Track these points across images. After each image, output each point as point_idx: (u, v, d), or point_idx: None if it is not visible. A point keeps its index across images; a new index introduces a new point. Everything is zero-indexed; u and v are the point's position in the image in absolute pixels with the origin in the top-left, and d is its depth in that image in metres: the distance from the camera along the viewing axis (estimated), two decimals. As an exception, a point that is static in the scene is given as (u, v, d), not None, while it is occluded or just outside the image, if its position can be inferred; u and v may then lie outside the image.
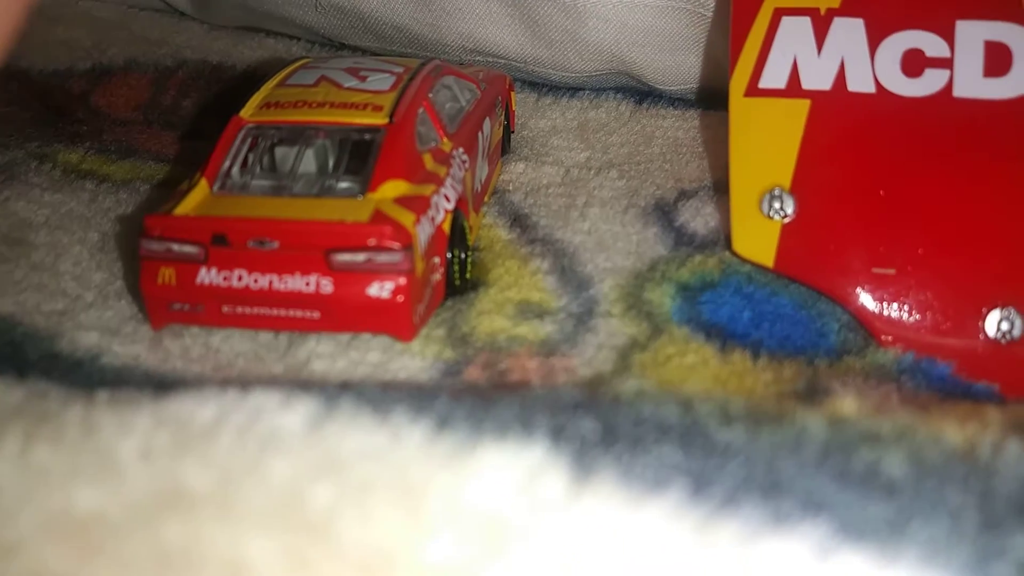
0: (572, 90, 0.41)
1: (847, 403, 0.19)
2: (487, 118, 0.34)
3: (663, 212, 0.33)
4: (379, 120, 0.29)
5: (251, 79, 0.42)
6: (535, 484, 0.17)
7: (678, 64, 0.38)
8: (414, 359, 0.26)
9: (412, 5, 0.38)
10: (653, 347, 0.26)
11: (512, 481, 0.17)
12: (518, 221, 0.33)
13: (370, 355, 0.26)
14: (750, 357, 0.26)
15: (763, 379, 0.25)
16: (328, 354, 0.26)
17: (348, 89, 0.30)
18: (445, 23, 0.38)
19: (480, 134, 0.33)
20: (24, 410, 0.20)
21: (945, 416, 0.19)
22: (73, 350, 0.26)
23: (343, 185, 0.27)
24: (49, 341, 0.26)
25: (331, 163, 0.29)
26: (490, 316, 0.27)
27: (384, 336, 0.26)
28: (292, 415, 0.18)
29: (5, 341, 0.26)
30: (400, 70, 0.31)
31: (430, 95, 0.31)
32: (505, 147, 0.38)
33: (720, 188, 0.33)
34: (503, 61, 0.40)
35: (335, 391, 0.19)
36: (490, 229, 0.32)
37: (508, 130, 0.38)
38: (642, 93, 0.41)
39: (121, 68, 0.45)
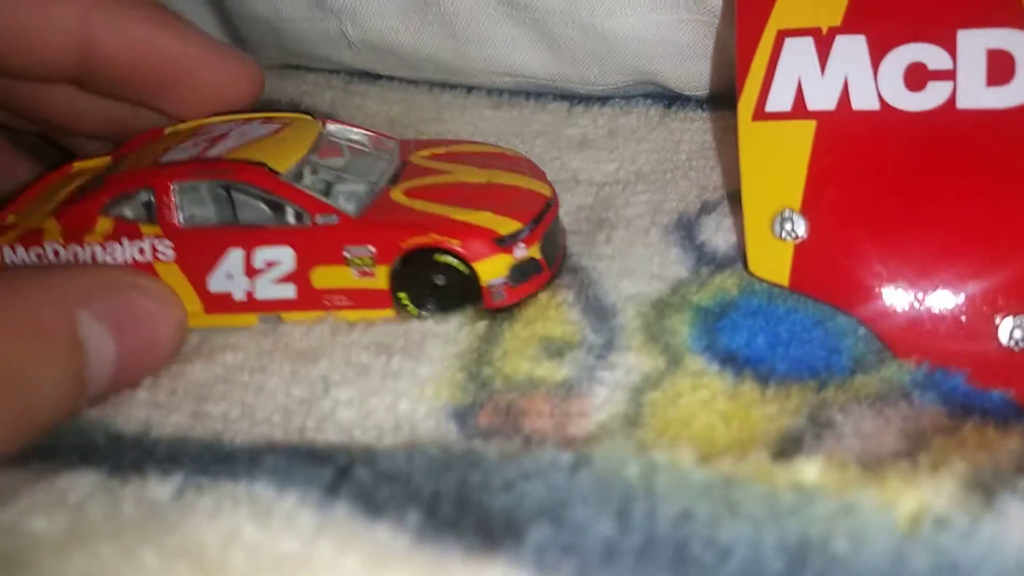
0: (603, 98, 0.42)
1: (809, 470, 0.20)
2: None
3: (685, 229, 0.34)
4: None
5: (296, 109, 0.44)
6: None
7: (701, 71, 0.39)
8: (424, 404, 0.28)
9: (439, 36, 0.40)
10: (665, 384, 0.28)
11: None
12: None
13: (386, 399, 0.28)
14: (759, 387, 0.28)
15: (768, 412, 0.26)
16: (348, 401, 0.28)
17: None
18: (471, 50, 0.40)
19: None
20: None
21: (906, 477, 0.20)
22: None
23: None
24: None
25: None
26: (512, 357, 0.29)
27: (411, 377, 0.29)
28: (288, 539, 0.21)
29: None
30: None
31: None
32: None
33: (740, 198, 0.34)
34: (532, 80, 0.41)
35: (331, 492, 0.22)
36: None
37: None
38: (671, 98, 0.42)
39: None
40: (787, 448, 0.25)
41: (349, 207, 0.31)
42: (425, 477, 0.21)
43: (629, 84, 0.41)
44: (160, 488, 0.24)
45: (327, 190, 0.32)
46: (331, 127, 0.35)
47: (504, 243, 0.30)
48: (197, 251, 0.31)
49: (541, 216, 0.31)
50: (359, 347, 0.30)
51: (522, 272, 0.31)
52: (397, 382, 0.29)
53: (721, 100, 0.40)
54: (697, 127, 0.40)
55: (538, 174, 0.35)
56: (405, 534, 0.20)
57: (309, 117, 0.36)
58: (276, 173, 0.31)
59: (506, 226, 0.30)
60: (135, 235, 0.31)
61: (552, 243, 0.32)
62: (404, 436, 0.27)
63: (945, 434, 0.25)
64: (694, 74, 0.39)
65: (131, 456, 0.27)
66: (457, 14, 0.39)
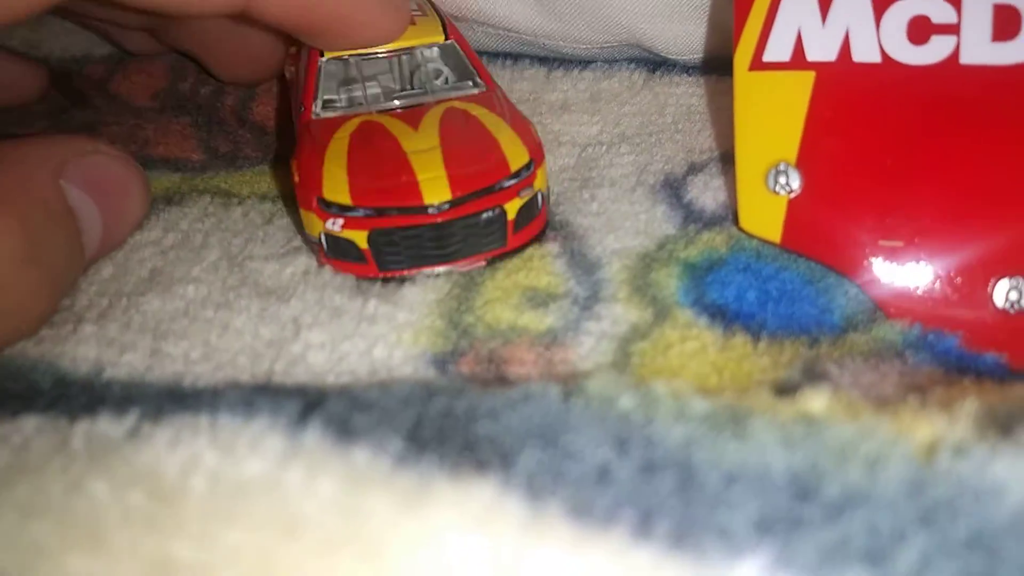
0: (584, 62, 0.41)
1: (817, 401, 0.19)
2: None
3: (672, 188, 0.33)
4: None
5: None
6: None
7: (689, 33, 0.38)
8: (404, 348, 0.26)
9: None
10: (654, 335, 0.27)
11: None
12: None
13: (360, 343, 0.26)
14: (751, 340, 0.26)
15: (760, 365, 0.25)
16: (320, 344, 0.27)
17: None
18: (449, 3, 0.38)
19: None
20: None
21: (917, 412, 0.19)
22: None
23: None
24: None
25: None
26: (494, 305, 0.28)
27: (389, 322, 0.27)
28: (254, 463, 0.19)
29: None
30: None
31: None
32: None
33: (730, 159, 0.33)
34: (514, 34, 0.40)
35: (301, 420, 0.20)
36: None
37: None
38: (655, 62, 0.40)
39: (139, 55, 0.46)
40: (785, 394, 0.23)
41: None
42: (404, 406, 0.20)
43: (615, 46, 0.39)
44: (113, 425, 0.22)
45: None
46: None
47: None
48: None
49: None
50: (332, 288, 0.29)
51: None
52: (373, 326, 0.27)
53: (709, 65, 0.39)
54: (683, 91, 0.39)
55: None
56: (385, 458, 0.19)
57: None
58: None
59: None
60: None
61: None
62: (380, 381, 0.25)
63: (945, 385, 0.24)
64: (683, 36, 0.38)
65: (81, 401, 0.25)
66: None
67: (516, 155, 0.29)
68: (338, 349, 0.27)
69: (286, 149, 0.39)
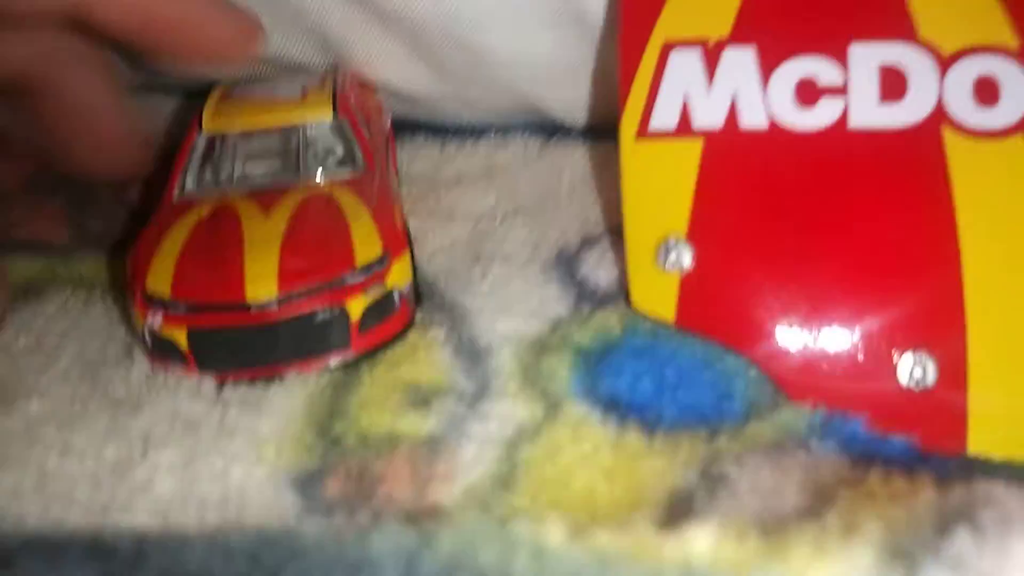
0: (479, 133, 0.39)
1: (701, 540, 0.17)
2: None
3: (566, 264, 0.31)
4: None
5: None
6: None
7: (582, 95, 0.36)
8: (265, 467, 0.24)
9: (310, 47, 0.36)
10: (544, 436, 0.25)
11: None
12: (423, 287, 0.31)
13: (215, 462, 0.24)
14: (646, 436, 0.24)
15: (655, 467, 0.23)
16: (169, 466, 0.24)
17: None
18: (346, 63, 0.36)
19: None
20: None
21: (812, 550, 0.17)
22: None
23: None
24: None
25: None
26: (370, 409, 0.26)
27: (249, 435, 0.25)
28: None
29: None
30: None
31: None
32: None
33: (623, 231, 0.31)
34: (409, 100, 0.38)
35: None
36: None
37: None
38: (551, 130, 0.39)
39: None
40: (677, 509, 0.22)
41: None
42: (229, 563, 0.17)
43: (511, 110, 0.38)
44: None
45: None
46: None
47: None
48: None
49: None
50: (189, 394, 0.26)
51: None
52: (231, 442, 0.25)
53: (606, 131, 0.38)
54: (580, 158, 0.38)
55: None
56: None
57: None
58: None
59: None
60: None
61: None
62: (231, 513, 0.23)
63: (850, 486, 0.22)
64: (576, 99, 0.36)
65: None
66: (327, 25, 0.35)
67: (367, 247, 0.27)
68: (190, 470, 0.24)
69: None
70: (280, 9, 0.35)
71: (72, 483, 0.24)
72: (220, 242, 0.26)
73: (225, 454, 0.24)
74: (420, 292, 0.30)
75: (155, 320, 0.25)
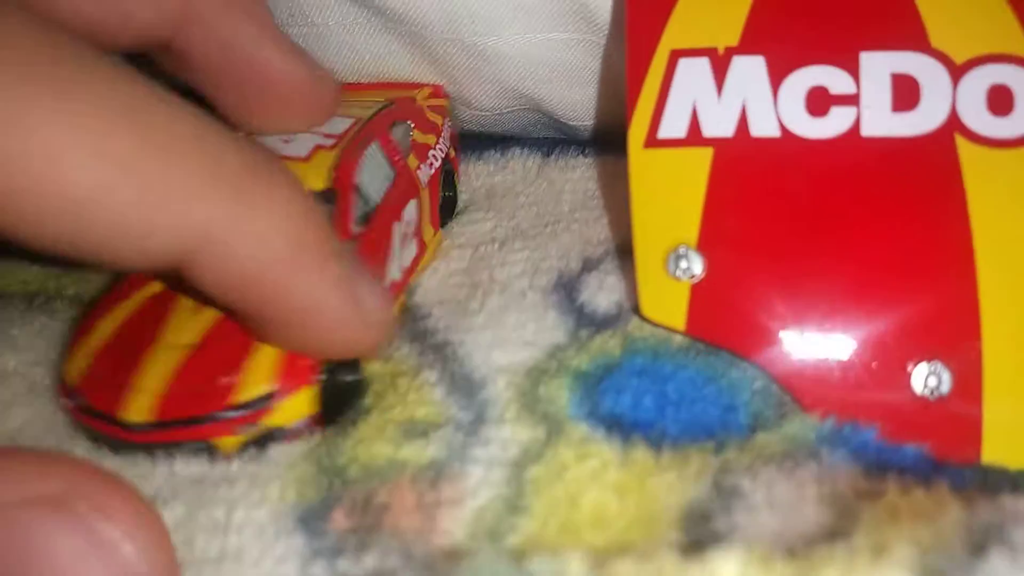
0: (478, 153, 0.39)
1: (729, 566, 0.16)
2: (412, 200, 0.31)
3: (565, 289, 0.30)
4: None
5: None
6: None
7: (588, 97, 0.36)
8: (268, 506, 0.23)
9: (311, 47, 0.35)
10: (548, 456, 0.24)
11: None
12: (416, 325, 0.30)
13: (221, 494, 0.23)
14: (653, 452, 0.23)
15: (666, 481, 0.22)
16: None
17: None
18: (342, 66, 0.36)
19: (396, 224, 0.29)
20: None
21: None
22: None
23: None
24: None
25: None
26: (368, 443, 0.24)
27: (252, 471, 0.24)
28: None
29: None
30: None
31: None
32: (445, 216, 0.35)
33: (627, 249, 0.30)
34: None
35: None
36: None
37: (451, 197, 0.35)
38: (550, 144, 0.39)
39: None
40: (695, 528, 0.21)
41: None
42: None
43: (514, 110, 0.37)
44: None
45: None
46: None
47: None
48: None
49: None
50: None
51: None
52: (232, 489, 0.23)
53: (607, 139, 0.38)
54: (580, 175, 0.37)
55: None
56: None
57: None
58: None
59: None
60: None
61: None
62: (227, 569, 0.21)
63: (869, 499, 0.21)
64: (581, 101, 0.36)
65: None
66: (327, 26, 0.35)
67: (256, 381, 0.23)
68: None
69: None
70: (280, 9, 0.34)
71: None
72: (138, 338, 0.24)
73: (227, 501, 0.23)
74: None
75: (66, 403, 0.25)
